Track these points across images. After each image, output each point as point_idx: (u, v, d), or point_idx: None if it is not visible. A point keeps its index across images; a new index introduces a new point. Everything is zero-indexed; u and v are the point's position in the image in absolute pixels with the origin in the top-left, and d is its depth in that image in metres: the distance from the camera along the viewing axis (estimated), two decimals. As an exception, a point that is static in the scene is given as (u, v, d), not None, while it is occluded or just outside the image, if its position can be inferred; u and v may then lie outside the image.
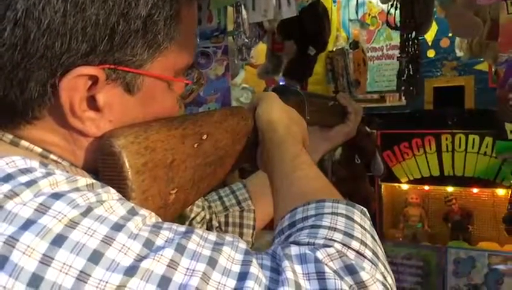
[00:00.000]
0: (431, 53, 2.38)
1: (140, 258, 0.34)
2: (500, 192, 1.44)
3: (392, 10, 1.26)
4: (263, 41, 1.68)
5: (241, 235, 0.76)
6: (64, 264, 0.32)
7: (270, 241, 0.45)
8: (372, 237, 0.42)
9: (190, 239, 0.36)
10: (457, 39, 1.63)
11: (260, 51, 1.84)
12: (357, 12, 1.72)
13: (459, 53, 1.69)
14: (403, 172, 1.53)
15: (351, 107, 0.85)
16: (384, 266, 0.39)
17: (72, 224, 0.33)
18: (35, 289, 0.31)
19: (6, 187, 0.34)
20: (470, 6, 1.25)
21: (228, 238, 0.39)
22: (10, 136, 0.43)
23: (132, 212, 0.37)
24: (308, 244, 0.39)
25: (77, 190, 0.36)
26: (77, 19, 0.39)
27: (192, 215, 0.72)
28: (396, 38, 2.38)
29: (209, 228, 0.74)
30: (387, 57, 2.54)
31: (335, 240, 0.39)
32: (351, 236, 0.40)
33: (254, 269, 0.35)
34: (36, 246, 0.32)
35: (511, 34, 1.03)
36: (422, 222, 1.63)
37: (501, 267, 1.27)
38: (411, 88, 1.23)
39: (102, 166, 0.44)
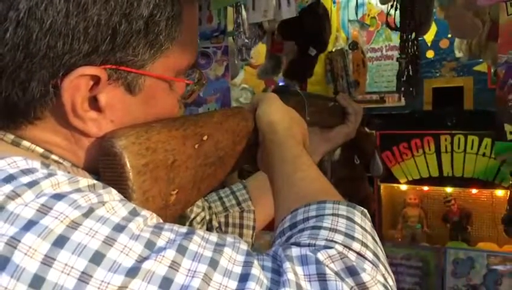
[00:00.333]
0: (430, 54, 2.38)
1: (142, 259, 0.34)
2: (499, 193, 1.44)
3: (392, 11, 1.26)
4: (262, 42, 1.68)
5: (241, 235, 0.76)
6: (65, 265, 0.32)
7: (269, 242, 0.45)
8: (373, 238, 0.42)
9: (191, 240, 0.36)
10: (457, 40, 1.63)
11: (260, 52, 1.84)
12: (356, 13, 1.72)
13: (458, 54, 1.69)
14: (402, 173, 1.53)
15: (351, 108, 0.85)
16: (385, 267, 0.39)
17: (74, 225, 0.33)
18: None
19: (8, 188, 0.34)
20: (469, 8, 1.25)
21: (229, 239, 0.39)
22: (11, 137, 0.43)
23: (134, 213, 0.37)
24: (309, 245, 0.39)
25: (79, 190, 0.36)
26: (79, 19, 0.39)
27: (193, 215, 0.72)
28: (395, 39, 2.39)
29: (209, 229, 0.74)
30: (387, 58, 2.54)
31: (336, 242, 0.39)
32: (352, 237, 0.40)
33: (255, 270, 0.35)
34: (38, 247, 0.32)
35: (511, 35, 1.04)
36: (421, 223, 1.64)
37: (500, 267, 1.27)
38: (411, 89, 1.23)
39: (103, 166, 0.44)
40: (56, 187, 0.35)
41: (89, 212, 0.34)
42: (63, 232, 0.33)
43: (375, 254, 0.39)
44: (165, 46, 0.44)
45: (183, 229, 0.38)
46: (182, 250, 0.35)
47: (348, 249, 0.38)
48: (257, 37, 1.57)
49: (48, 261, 0.32)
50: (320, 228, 0.41)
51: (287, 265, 0.36)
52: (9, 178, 0.35)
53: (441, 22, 1.74)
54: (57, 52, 0.39)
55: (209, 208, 0.76)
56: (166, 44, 0.44)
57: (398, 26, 1.25)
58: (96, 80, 0.41)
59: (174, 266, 0.34)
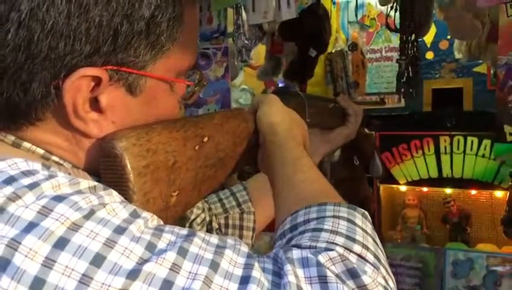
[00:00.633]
0: (430, 55, 2.38)
1: (143, 262, 0.33)
2: (498, 194, 1.44)
3: (392, 12, 1.27)
4: (262, 43, 1.68)
5: (241, 237, 0.76)
6: (66, 267, 0.32)
7: (269, 242, 0.45)
8: (374, 240, 0.42)
9: (192, 242, 0.36)
10: (456, 41, 1.64)
11: (259, 53, 1.85)
12: (356, 15, 1.72)
13: (457, 55, 1.69)
14: (402, 174, 1.54)
15: (351, 109, 0.85)
16: (386, 270, 0.39)
17: (75, 227, 0.33)
18: None
19: (8, 189, 0.34)
20: (469, 9, 1.25)
21: (230, 241, 0.39)
22: (12, 138, 0.42)
23: (134, 215, 0.37)
24: (310, 247, 0.39)
25: (80, 192, 0.36)
26: (81, 20, 0.39)
27: (193, 217, 0.72)
28: (395, 40, 2.39)
29: (209, 230, 0.74)
30: (386, 59, 2.54)
31: (337, 244, 0.39)
32: (353, 240, 0.40)
33: (256, 272, 0.35)
34: (38, 249, 0.32)
35: (510, 37, 1.04)
36: (421, 224, 1.64)
37: (499, 268, 1.27)
38: (410, 90, 1.23)
39: (104, 168, 0.44)
40: (57, 189, 0.35)
41: (89, 215, 0.34)
42: (64, 234, 0.33)
43: (376, 256, 0.39)
44: (166, 47, 0.44)
45: (184, 231, 0.38)
46: (182, 252, 0.35)
47: (348, 252, 0.38)
48: (257, 38, 1.57)
49: (48, 263, 0.32)
50: (321, 230, 0.41)
51: (287, 267, 0.36)
52: (10, 180, 0.35)
53: (440, 23, 1.74)
54: (59, 53, 0.39)
55: (209, 209, 0.76)
56: (168, 45, 0.44)
57: (398, 27, 1.25)
58: (98, 81, 0.41)
59: (174, 268, 0.34)
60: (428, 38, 2.25)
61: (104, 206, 0.36)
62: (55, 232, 0.33)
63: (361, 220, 0.44)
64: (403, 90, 1.25)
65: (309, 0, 1.54)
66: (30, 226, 0.32)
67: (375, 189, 1.57)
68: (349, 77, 2.06)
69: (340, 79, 2.06)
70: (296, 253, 0.38)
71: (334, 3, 2.15)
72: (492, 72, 1.75)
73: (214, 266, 0.35)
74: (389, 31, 1.43)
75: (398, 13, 1.25)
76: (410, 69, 1.23)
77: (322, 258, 0.37)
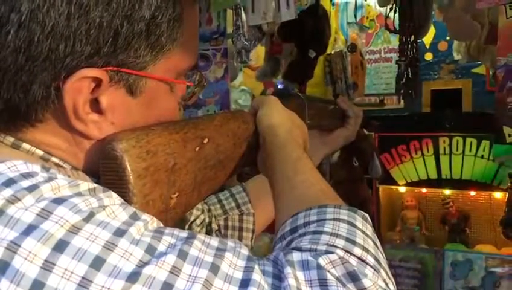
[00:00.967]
0: (429, 56, 2.39)
1: (143, 264, 0.33)
2: (497, 195, 1.45)
3: (391, 13, 1.27)
4: (261, 44, 1.68)
5: (240, 238, 0.76)
6: (66, 270, 0.32)
7: (268, 243, 0.45)
8: (374, 243, 0.42)
9: (192, 245, 0.36)
10: (455, 42, 1.64)
11: (258, 54, 1.85)
12: (355, 16, 1.73)
13: (456, 56, 1.70)
14: (401, 175, 1.54)
15: (351, 111, 0.85)
16: (386, 273, 0.39)
17: (74, 229, 0.33)
18: None
19: (8, 192, 0.34)
20: (468, 10, 1.25)
21: (230, 243, 0.38)
22: (11, 139, 0.42)
23: (134, 218, 0.37)
24: (310, 250, 0.38)
25: (79, 194, 0.36)
26: (81, 22, 0.38)
27: (192, 218, 0.72)
28: (393, 41, 2.39)
29: (209, 231, 0.74)
30: (385, 60, 2.55)
31: (337, 246, 0.38)
32: (353, 242, 0.39)
33: (256, 275, 0.35)
34: (38, 251, 0.32)
35: (510, 38, 1.04)
36: (420, 225, 1.64)
37: (498, 270, 1.27)
38: (410, 91, 1.23)
39: (104, 170, 0.43)
40: (56, 191, 0.35)
41: (89, 217, 0.34)
42: (63, 236, 0.33)
43: (376, 259, 0.39)
44: (167, 48, 0.44)
45: (184, 234, 0.37)
46: (182, 255, 0.35)
47: (349, 254, 0.38)
48: (256, 39, 1.57)
49: (48, 266, 0.31)
50: (321, 232, 0.41)
51: (288, 270, 0.36)
52: (10, 182, 0.35)
53: (439, 24, 1.74)
54: (59, 55, 0.39)
55: (209, 210, 0.76)
56: (168, 45, 0.44)
57: (397, 28, 1.25)
58: (98, 82, 0.41)
59: (174, 271, 0.34)
60: (428, 39, 2.26)
61: (104, 209, 0.36)
62: (54, 234, 0.32)
63: (362, 222, 0.43)
64: (402, 91, 1.25)
65: (308, 1, 1.55)
66: (29, 229, 0.32)
67: (374, 190, 1.57)
68: (348, 78, 2.06)
69: (339, 80, 2.06)
70: (296, 256, 0.38)
71: (333, 4, 2.15)
72: (491, 73, 1.75)
73: (214, 269, 0.35)
74: (388, 32, 1.43)
75: (397, 14, 1.25)
76: (409, 70, 1.23)
77: (323, 261, 0.37)
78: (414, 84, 1.24)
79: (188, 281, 0.34)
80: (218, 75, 1.43)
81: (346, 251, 0.38)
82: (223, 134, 0.54)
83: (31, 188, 0.34)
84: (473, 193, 1.54)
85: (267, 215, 0.76)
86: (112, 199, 0.38)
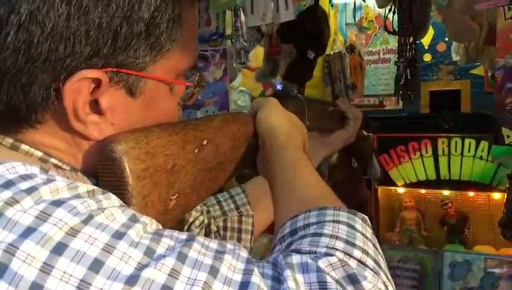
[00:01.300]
0: (427, 57, 2.39)
1: (141, 267, 0.33)
2: (496, 196, 1.45)
3: (390, 14, 1.27)
4: (260, 45, 1.68)
5: (239, 240, 0.76)
6: (64, 272, 0.31)
7: (267, 244, 0.45)
8: (374, 245, 0.42)
9: (191, 247, 0.36)
10: (454, 43, 1.64)
11: (257, 55, 1.85)
12: (354, 17, 1.73)
13: (455, 57, 1.70)
14: (400, 175, 1.54)
15: (350, 113, 0.85)
16: (386, 275, 0.39)
17: (73, 232, 0.33)
18: None
19: (6, 194, 0.34)
20: (466, 11, 1.25)
21: (229, 246, 0.38)
22: (10, 140, 0.42)
23: (133, 220, 0.37)
24: (309, 252, 0.38)
25: (78, 196, 0.36)
26: (81, 22, 0.38)
27: (191, 219, 0.72)
28: (392, 42, 2.39)
29: (208, 233, 0.74)
30: (384, 61, 2.55)
31: (337, 249, 0.38)
32: (353, 245, 0.39)
33: (255, 278, 0.35)
34: (36, 254, 0.31)
35: (508, 40, 1.04)
36: (419, 226, 1.64)
37: (497, 270, 1.27)
38: (409, 92, 1.23)
39: (103, 171, 0.43)
40: (55, 193, 0.35)
41: (88, 219, 0.34)
42: (62, 239, 0.32)
43: (376, 262, 0.39)
44: (166, 48, 0.44)
45: (183, 236, 0.37)
46: (181, 257, 0.35)
47: (348, 257, 0.38)
48: (255, 41, 1.57)
49: (46, 268, 0.31)
50: (321, 235, 0.41)
51: (287, 273, 0.36)
52: (8, 184, 0.35)
53: (438, 25, 1.74)
54: (59, 56, 0.39)
55: (208, 212, 0.76)
56: (167, 46, 0.44)
57: (396, 29, 1.25)
58: (98, 83, 0.41)
59: (173, 274, 0.34)
60: (426, 40, 2.26)
61: (103, 211, 0.35)
62: (53, 237, 0.32)
63: (361, 225, 0.43)
64: (401, 92, 1.25)
65: (307, 3, 1.55)
66: (28, 231, 0.32)
67: (373, 191, 1.57)
68: (347, 79, 2.06)
69: (338, 81, 2.06)
70: (295, 258, 0.38)
71: (332, 5, 2.15)
72: (490, 74, 1.75)
73: (213, 271, 0.35)
74: (387, 33, 1.44)
75: (396, 15, 1.25)
76: (408, 71, 1.23)
77: (322, 263, 0.37)
78: (413, 85, 1.24)
79: (187, 284, 0.33)
80: (217, 76, 1.43)
81: (345, 253, 0.38)
82: (223, 136, 0.54)
83: (30, 190, 0.34)
84: (471, 193, 1.54)
85: (266, 216, 0.76)
86: (111, 201, 0.38)
